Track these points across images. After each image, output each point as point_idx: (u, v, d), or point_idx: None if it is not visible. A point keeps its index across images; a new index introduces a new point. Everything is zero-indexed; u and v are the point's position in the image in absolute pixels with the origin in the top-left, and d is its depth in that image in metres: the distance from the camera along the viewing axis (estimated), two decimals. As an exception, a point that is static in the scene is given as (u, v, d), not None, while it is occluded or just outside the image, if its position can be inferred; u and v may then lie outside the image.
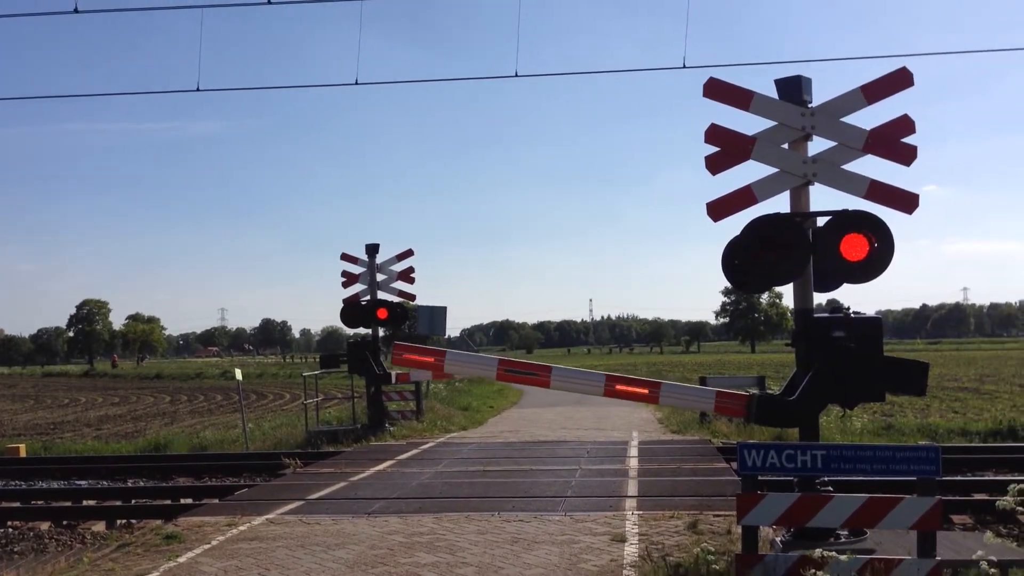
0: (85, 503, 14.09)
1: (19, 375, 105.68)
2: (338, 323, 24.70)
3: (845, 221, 7.82)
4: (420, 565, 8.25)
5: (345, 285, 20.92)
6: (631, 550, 8.55)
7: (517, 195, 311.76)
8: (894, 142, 7.88)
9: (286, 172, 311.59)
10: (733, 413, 8.51)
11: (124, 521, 12.54)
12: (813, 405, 7.90)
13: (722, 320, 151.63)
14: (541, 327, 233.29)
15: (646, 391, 8.45)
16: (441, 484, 12.84)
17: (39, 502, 14.21)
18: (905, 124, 7.86)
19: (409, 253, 21.16)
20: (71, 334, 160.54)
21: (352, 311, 20.62)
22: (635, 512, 10.39)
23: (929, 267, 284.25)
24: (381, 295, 20.77)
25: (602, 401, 22.37)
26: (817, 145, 8.12)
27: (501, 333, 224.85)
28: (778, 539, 7.89)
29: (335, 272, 20.89)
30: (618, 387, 8.37)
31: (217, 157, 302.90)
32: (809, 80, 8.06)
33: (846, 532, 7.70)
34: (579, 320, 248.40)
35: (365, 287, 20.79)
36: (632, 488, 12.13)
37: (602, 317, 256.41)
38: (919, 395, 7.87)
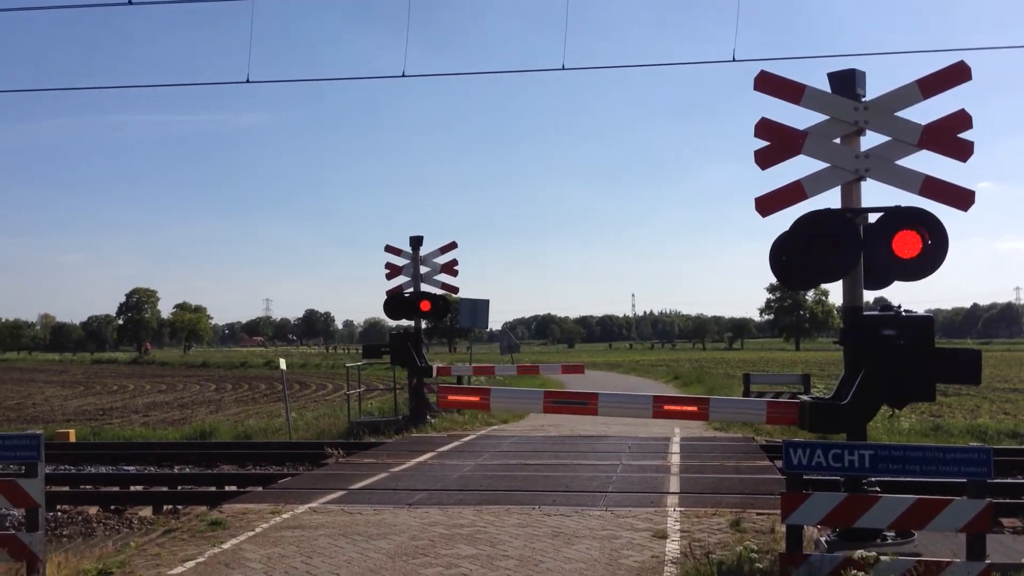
0: (132, 488, 14.32)
1: (69, 361, 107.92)
2: (381, 315, 24.91)
3: (898, 217, 7.67)
4: (461, 557, 8.26)
5: (389, 277, 21.06)
6: (672, 546, 8.48)
7: (560, 189, 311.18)
8: (950, 137, 7.70)
9: (331, 164, 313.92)
10: (786, 422, 8.40)
11: (170, 507, 12.75)
12: (868, 408, 7.77)
13: (767, 317, 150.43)
14: (583, 321, 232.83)
15: (695, 408, 8.42)
16: (482, 477, 12.86)
17: (87, 487, 14.45)
18: (962, 119, 7.68)
19: (453, 246, 21.18)
20: (120, 322, 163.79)
21: (395, 303, 20.75)
22: (677, 509, 10.31)
23: (981, 265, 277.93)
24: (424, 287, 20.84)
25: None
26: (870, 140, 7.97)
27: (543, 327, 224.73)
28: (823, 539, 7.78)
29: (379, 264, 21.12)
30: (666, 407, 8.37)
31: (263, 149, 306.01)
32: (863, 73, 7.90)
33: (893, 533, 7.57)
34: (621, 315, 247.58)
35: (408, 279, 20.89)
36: (674, 484, 12.05)
37: (645, 312, 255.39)
38: (974, 384, 7.71)
